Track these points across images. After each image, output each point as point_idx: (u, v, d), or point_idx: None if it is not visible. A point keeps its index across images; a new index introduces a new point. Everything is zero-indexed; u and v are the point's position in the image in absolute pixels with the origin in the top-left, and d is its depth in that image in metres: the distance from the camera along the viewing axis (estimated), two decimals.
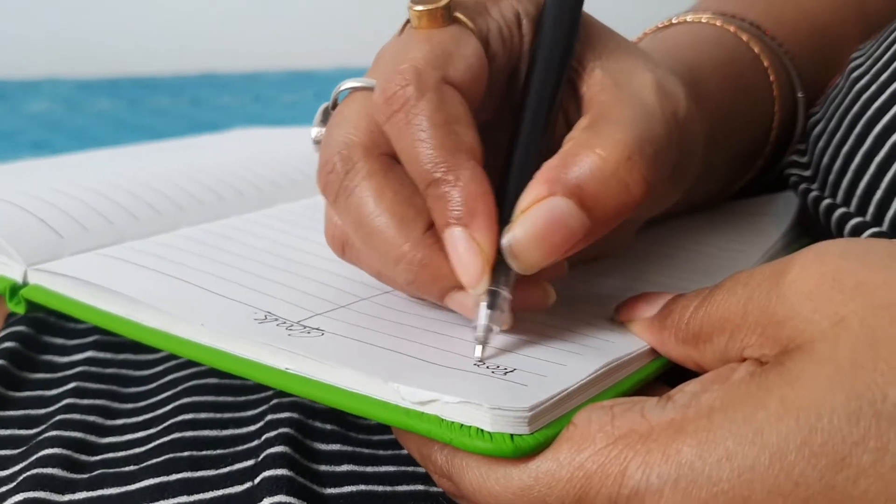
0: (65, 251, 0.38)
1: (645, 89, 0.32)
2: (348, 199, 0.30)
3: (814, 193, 0.43)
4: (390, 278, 0.32)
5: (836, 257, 0.25)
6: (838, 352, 0.23)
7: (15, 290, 0.37)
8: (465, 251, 0.29)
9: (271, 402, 0.34)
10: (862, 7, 0.53)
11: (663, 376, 0.31)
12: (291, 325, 0.31)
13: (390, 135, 0.30)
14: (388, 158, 0.31)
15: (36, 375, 0.38)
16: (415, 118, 0.29)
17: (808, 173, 0.45)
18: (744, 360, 0.26)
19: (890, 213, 0.37)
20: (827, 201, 0.41)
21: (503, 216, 0.29)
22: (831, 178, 0.42)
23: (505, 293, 0.29)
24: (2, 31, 1.88)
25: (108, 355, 0.39)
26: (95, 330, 0.40)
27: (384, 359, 0.29)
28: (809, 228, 0.45)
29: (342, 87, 0.33)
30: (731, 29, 0.47)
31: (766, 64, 0.47)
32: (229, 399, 0.35)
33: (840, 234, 0.39)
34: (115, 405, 0.36)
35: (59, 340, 0.40)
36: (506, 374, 0.28)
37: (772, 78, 0.47)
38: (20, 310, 0.37)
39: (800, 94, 0.49)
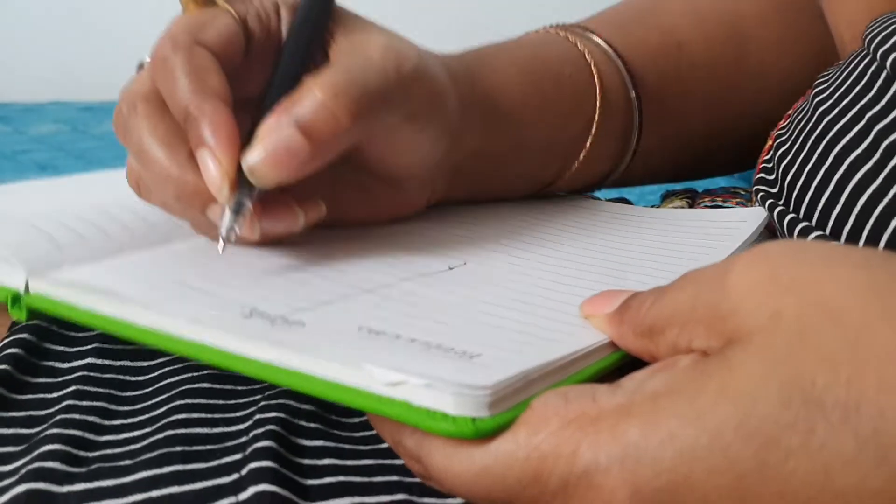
0: (64, 262, 0.40)
1: (373, 49, 0.40)
2: (131, 135, 0.39)
3: (779, 208, 0.45)
4: (171, 206, 0.40)
5: (775, 256, 0.27)
6: (774, 342, 0.25)
7: (17, 298, 0.39)
8: (210, 167, 0.37)
9: (259, 404, 0.36)
10: (736, 31, 0.58)
11: (625, 368, 0.32)
12: (275, 319, 0.33)
13: (158, 85, 0.39)
14: (163, 103, 0.39)
15: (38, 380, 0.40)
16: (172, 69, 0.38)
17: (774, 190, 0.47)
18: (692, 351, 0.28)
19: (847, 228, 0.39)
20: (791, 216, 0.43)
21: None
22: (795, 193, 0.44)
23: (248, 203, 0.37)
24: (9, 56, 1.91)
25: (108, 362, 0.41)
26: (95, 338, 0.42)
27: (359, 343, 0.31)
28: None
29: (146, 57, 0.41)
30: (562, 33, 0.54)
31: (589, 60, 0.52)
32: (220, 402, 0.37)
33: None
34: (114, 407, 0.38)
35: (61, 348, 0.42)
36: (472, 358, 0.30)
37: (595, 74, 0.52)
38: (22, 317, 0.39)
39: (632, 94, 0.54)
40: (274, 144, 0.36)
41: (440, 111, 0.43)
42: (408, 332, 0.32)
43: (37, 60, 1.91)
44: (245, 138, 0.38)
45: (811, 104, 0.46)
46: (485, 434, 0.27)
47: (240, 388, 0.38)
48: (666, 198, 0.60)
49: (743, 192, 0.58)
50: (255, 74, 0.41)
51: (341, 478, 0.32)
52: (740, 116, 0.58)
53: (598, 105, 0.52)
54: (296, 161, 0.37)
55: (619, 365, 0.32)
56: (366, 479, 0.32)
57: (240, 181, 0.37)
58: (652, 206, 0.57)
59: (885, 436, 0.23)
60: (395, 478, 0.33)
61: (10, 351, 0.40)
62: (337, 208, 0.43)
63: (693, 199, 0.58)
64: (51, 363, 0.41)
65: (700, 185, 0.64)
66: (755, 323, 0.26)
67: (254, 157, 0.37)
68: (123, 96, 0.40)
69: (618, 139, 0.54)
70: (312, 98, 0.37)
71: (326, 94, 0.37)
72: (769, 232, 0.47)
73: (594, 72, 0.52)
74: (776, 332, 0.26)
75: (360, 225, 0.45)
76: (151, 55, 0.39)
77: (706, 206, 0.55)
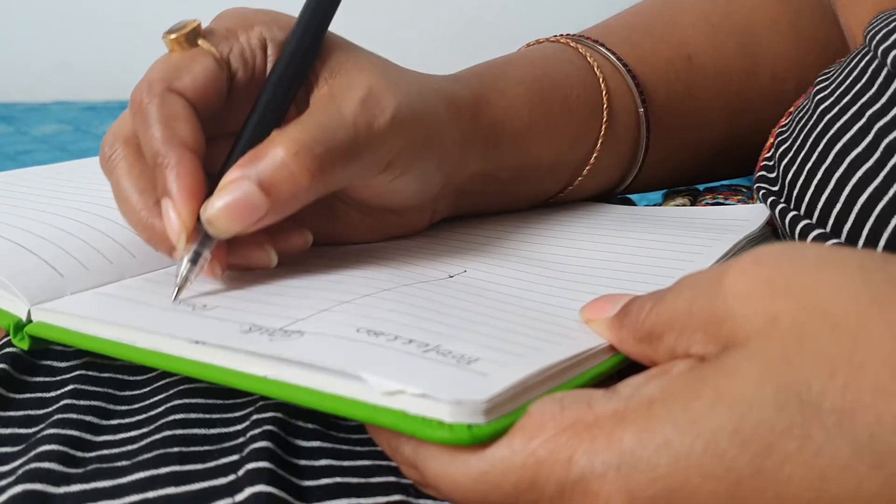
0: (66, 290, 0.40)
1: (348, 102, 0.39)
2: (111, 176, 0.40)
3: (781, 205, 0.45)
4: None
5: (771, 261, 0.27)
6: (769, 347, 0.25)
7: (19, 326, 0.39)
8: (171, 217, 0.37)
9: (258, 404, 0.36)
10: (749, 41, 0.57)
11: (624, 371, 0.32)
12: (273, 332, 0.33)
13: (136, 130, 0.39)
14: (140, 147, 0.39)
15: (36, 379, 0.40)
16: (145, 117, 0.38)
17: (776, 188, 0.47)
18: (689, 356, 0.28)
19: (847, 226, 0.39)
20: (792, 213, 0.43)
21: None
22: (796, 191, 0.44)
23: (206, 253, 0.38)
24: (12, 56, 1.92)
25: (106, 360, 0.41)
26: None
27: (356, 348, 0.31)
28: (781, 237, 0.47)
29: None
30: (572, 44, 0.53)
31: (598, 76, 0.51)
32: (218, 401, 0.37)
33: None
34: (111, 406, 0.38)
35: (59, 346, 0.42)
36: (469, 363, 0.29)
37: (604, 91, 0.51)
38: (24, 346, 0.39)
39: (641, 110, 0.53)
40: (233, 198, 0.37)
41: (430, 150, 0.43)
42: (406, 333, 0.32)
43: (40, 60, 1.91)
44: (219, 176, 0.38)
45: (812, 102, 0.46)
46: (481, 440, 0.27)
47: None
48: (668, 196, 0.59)
49: (745, 190, 0.58)
50: (239, 112, 0.41)
51: (338, 479, 0.32)
52: (754, 126, 0.57)
53: (604, 123, 0.51)
54: (254, 216, 0.37)
55: (618, 369, 0.32)
56: (363, 480, 0.32)
57: (200, 230, 0.37)
58: (654, 205, 0.57)
59: (881, 442, 0.23)
60: (392, 478, 0.32)
61: (8, 350, 0.40)
62: (335, 230, 0.44)
63: (695, 197, 0.58)
64: (49, 362, 0.41)
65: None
66: (751, 328, 0.26)
67: (212, 209, 0.37)
68: (107, 136, 0.41)
69: (624, 155, 0.54)
70: (274, 155, 0.37)
71: (287, 152, 0.37)
72: (771, 229, 0.47)
73: (603, 88, 0.51)
74: (772, 337, 0.25)
75: (360, 243, 0.46)
76: (130, 99, 0.40)
77: (708, 204, 0.55)
